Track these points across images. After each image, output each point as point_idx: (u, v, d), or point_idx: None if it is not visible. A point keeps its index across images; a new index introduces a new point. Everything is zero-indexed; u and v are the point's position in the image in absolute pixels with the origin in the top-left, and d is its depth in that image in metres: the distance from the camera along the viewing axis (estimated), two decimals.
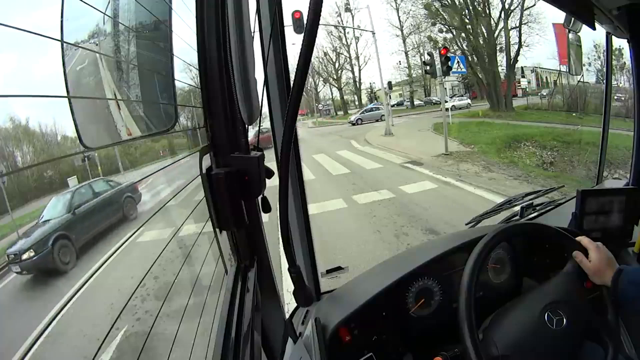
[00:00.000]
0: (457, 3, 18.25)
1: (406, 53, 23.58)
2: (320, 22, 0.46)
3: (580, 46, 1.77)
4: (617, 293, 0.82)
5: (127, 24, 0.63)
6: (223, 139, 0.75)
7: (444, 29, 19.91)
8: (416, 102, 25.31)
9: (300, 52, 0.47)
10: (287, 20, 2.01)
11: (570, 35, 1.66)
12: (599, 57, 13.82)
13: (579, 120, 11.60)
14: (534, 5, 16.67)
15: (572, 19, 1.42)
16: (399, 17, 22.64)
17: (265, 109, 0.96)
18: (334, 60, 26.69)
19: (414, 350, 0.97)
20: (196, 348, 0.69)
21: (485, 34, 17.83)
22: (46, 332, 0.41)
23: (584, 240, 0.90)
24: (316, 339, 0.84)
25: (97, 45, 0.55)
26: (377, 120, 20.41)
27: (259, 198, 0.81)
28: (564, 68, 15.70)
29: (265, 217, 0.92)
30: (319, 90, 29.51)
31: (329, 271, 1.17)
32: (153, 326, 0.60)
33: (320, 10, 0.45)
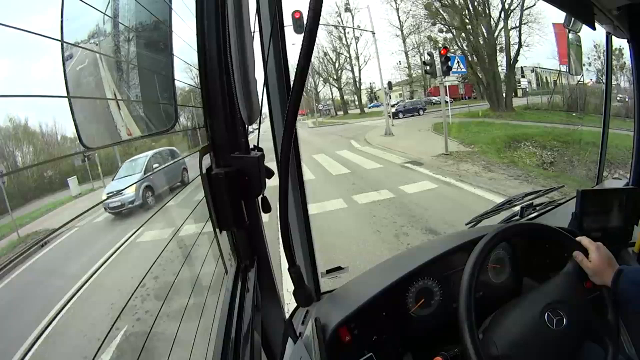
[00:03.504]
0: (457, 3, 18.24)
1: (406, 53, 23.60)
2: (320, 22, 0.46)
3: (580, 46, 1.77)
4: (617, 293, 0.82)
5: (127, 24, 0.63)
6: (223, 139, 0.75)
7: (444, 29, 19.92)
8: None
9: (300, 52, 0.47)
10: (287, 20, 2.02)
11: (570, 35, 1.67)
12: (599, 57, 13.82)
13: (578, 120, 11.60)
14: (534, 5, 16.69)
15: (572, 19, 1.42)
16: (399, 17, 22.67)
17: (265, 109, 0.96)
18: (334, 60, 26.70)
19: (414, 350, 0.97)
20: (196, 348, 0.69)
21: (485, 34, 17.81)
22: (46, 332, 0.41)
23: (584, 240, 0.90)
24: (316, 339, 0.84)
25: (97, 45, 0.55)
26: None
27: (259, 198, 0.81)
28: (564, 68, 15.69)
29: (265, 217, 0.92)
30: (319, 90, 29.53)
31: (329, 271, 1.17)
32: (153, 326, 0.60)
33: (320, 10, 0.45)
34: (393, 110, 21.41)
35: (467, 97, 22.52)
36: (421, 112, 21.08)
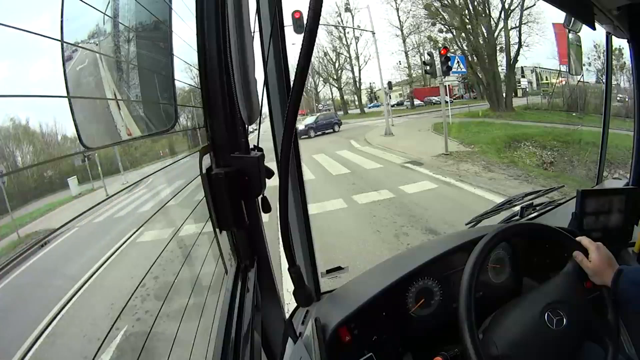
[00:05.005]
0: (457, 3, 18.25)
1: (406, 53, 23.61)
2: (320, 22, 0.47)
3: (580, 46, 1.77)
4: (617, 293, 0.82)
5: (127, 24, 0.63)
6: (223, 139, 0.75)
7: (444, 29, 19.93)
8: (416, 102, 25.33)
9: (300, 52, 0.47)
10: (287, 20, 2.01)
11: (570, 35, 1.67)
12: (599, 57, 13.83)
13: (578, 120, 11.61)
14: (534, 5, 16.70)
15: (572, 19, 1.43)
16: (399, 17, 22.67)
17: (265, 109, 0.96)
18: (334, 60, 26.71)
19: (414, 350, 0.97)
20: (196, 348, 0.69)
21: (485, 34, 17.83)
22: (46, 332, 0.41)
23: (584, 240, 0.90)
24: (316, 339, 0.84)
25: (97, 45, 0.55)
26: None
27: (259, 198, 0.81)
28: (564, 68, 15.70)
29: (265, 217, 0.92)
30: (319, 90, 29.52)
31: (329, 271, 1.17)
32: (153, 326, 0.59)
33: (320, 10, 0.45)
34: (301, 127, 17.07)
35: (459, 97, 22.53)
36: (336, 128, 18.03)
